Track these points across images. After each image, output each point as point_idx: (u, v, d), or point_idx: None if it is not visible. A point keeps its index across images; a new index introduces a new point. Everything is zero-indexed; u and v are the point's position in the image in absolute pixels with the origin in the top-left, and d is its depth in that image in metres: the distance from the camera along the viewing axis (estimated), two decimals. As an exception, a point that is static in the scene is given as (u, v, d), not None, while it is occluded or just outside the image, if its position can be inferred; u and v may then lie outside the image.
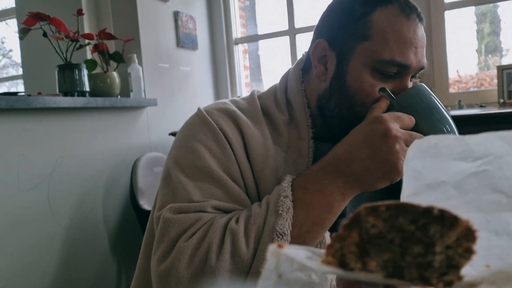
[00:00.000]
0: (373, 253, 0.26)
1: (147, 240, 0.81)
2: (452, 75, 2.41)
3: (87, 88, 1.76)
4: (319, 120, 0.76)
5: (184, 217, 0.65)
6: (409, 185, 0.33)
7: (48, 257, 1.54)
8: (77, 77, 1.72)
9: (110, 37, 1.96)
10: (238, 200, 0.68)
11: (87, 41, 1.88)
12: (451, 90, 2.38)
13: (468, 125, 1.78)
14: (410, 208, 0.25)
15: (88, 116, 1.77)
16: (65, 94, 1.69)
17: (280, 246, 0.28)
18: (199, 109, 0.78)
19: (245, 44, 2.96)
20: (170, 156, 0.76)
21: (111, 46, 2.06)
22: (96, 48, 1.95)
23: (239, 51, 2.91)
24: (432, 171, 0.32)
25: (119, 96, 1.95)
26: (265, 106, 0.78)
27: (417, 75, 0.73)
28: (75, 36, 1.72)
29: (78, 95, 1.71)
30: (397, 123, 0.63)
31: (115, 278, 1.83)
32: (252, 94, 0.81)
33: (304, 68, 0.79)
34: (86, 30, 2.08)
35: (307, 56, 0.79)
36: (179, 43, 2.42)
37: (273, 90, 0.82)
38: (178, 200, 0.68)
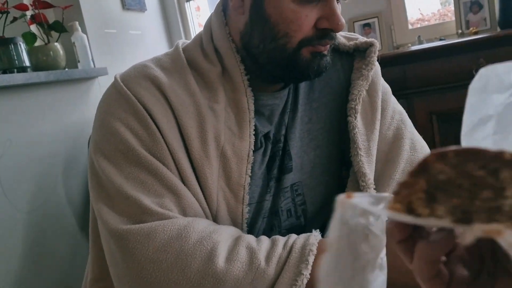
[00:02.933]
0: (442, 198, 0.26)
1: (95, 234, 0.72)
2: (414, 14, 2.35)
3: (27, 63, 1.63)
4: (253, 66, 0.67)
5: (141, 228, 0.56)
6: (466, 120, 0.33)
7: (12, 245, 1.47)
8: (14, 52, 1.59)
9: (47, 5, 1.80)
10: (172, 187, 0.60)
11: (22, 12, 1.73)
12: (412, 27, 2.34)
13: (429, 59, 1.75)
14: (480, 153, 0.25)
15: (33, 94, 1.65)
16: (4, 72, 1.57)
17: (348, 196, 0.29)
18: (115, 77, 0.66)
19: (198, 1, 2.81)
20: (91, 139, 0.66)
21: (50, 16, 1.91)
22: (33, 20, 1.80)
23: (192, 8, 2.77)
24: (481, 106, 0.33)
25: (66, 69, 1.82)
26: (192, 59, 0.67)
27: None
28: (4, 7, 1.57)
29: (18, 72, 1.59)
30: None
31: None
32: (176, 47, 0.70)
33: (224, 9, 0.68)
34: (25, 1, 1.91)
35: None
36: (125, 5, 2.27)
37: (198, 39, 0.70)
38: (107, 194, 0.60)
